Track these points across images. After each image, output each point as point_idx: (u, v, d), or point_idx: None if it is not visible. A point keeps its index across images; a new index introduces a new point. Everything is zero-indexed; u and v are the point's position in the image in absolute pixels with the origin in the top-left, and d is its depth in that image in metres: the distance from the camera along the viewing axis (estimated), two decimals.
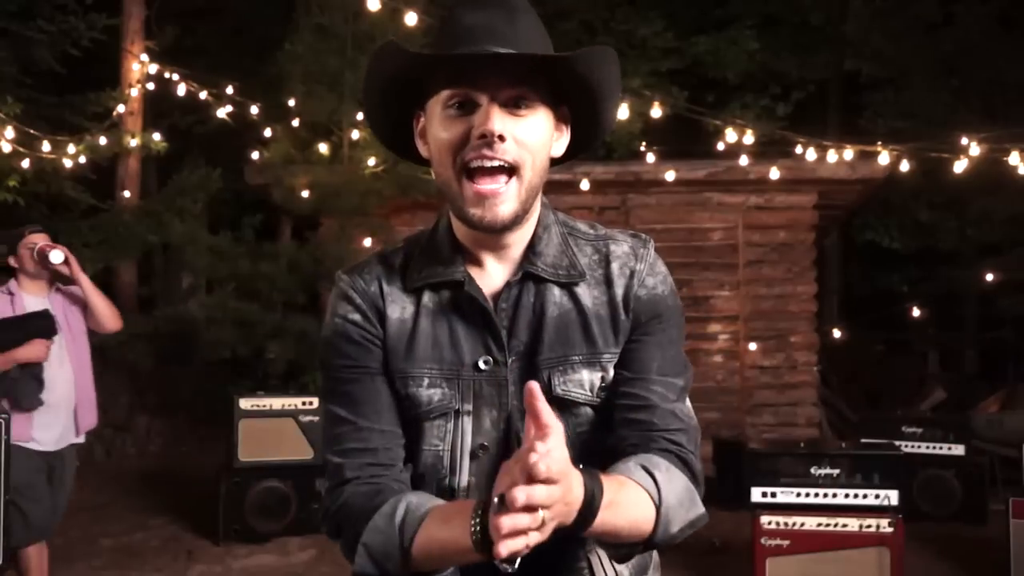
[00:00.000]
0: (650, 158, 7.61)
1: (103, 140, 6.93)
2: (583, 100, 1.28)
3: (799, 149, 7.04)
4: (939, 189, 10.20)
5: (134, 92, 7.78)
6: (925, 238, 12.56)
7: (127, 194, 8.16)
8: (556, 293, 1.29)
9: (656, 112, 6.59)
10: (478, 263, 1.31)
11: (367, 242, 6.69)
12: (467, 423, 1.28)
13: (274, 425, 5.45)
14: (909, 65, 11.91)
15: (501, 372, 1.27)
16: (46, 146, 6.52)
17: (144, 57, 7.77)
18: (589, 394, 1.28)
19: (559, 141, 1.30)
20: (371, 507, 1.22)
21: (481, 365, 1.27)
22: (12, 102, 6.31)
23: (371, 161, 6.52)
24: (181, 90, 7.29)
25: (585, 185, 7.21)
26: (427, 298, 1.30)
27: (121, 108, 7.46)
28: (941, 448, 6.07)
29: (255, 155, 7.12)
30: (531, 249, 1.30)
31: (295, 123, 6.88)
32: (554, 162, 1.33)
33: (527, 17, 1.24)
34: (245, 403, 5.42)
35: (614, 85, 1.28)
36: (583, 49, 1.21)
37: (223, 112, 7.33)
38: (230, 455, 5.41)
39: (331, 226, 6.89)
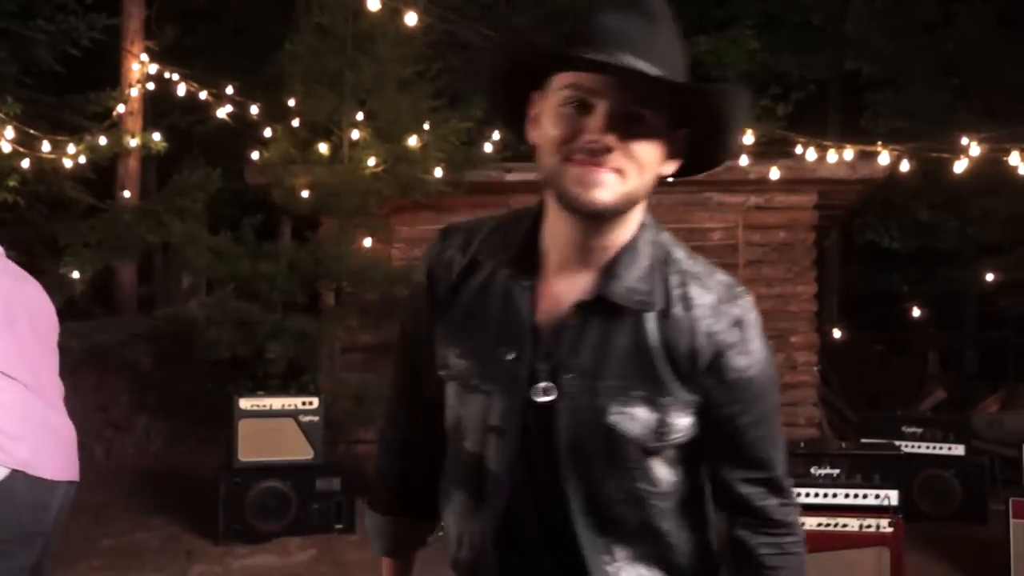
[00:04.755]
0: None
1: (103, 140, 6.94)
2: (706, 128, 1.24)
3: (799, 149, 7.03)
4: (939, 189, 10.18)
5: (134, 92, 7.78)
6: (925, 238, 12.55)
7: (127, 194, 8.15)
8: (627, 322, 1.25)
9: None
10: (553, 265, 1.28)
11: (367, 242, 6.69)
12: (481, 401, 1.30)
13: (274, 425, 5.45)
14: (909, 65, 11.91)
15: (520, 368, 1.26)
16: (46, 146, 6.52)
17: (144, 57, 7.77)
18: (642, 434, 1.24)
19: (670, 163, 1.26)
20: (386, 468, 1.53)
21: (504, 356, 1.28)
22: (12, 102, 6.31)
23: (371, 161, 6.52)
24: (181, 90, 7.29)
25: None
26: (485, 274, 1.32)
27: (121, 108, 7.46)
28: (941, 448, 6.06)
29: (255, 155, 7.12)
30: (609, 270, 1.25)
31: (295, 123, 6.87)
32: (664, 180, 1.31)
33: (666, 28, 1.20)
34: (245, 403, 5.42)
35: (740, 118, 1.25)
36: (721, 84, 1.25)
37: (223, 112, 7.33)
38: (230, 455, 5.41)
39: (331, 226, 6.89)
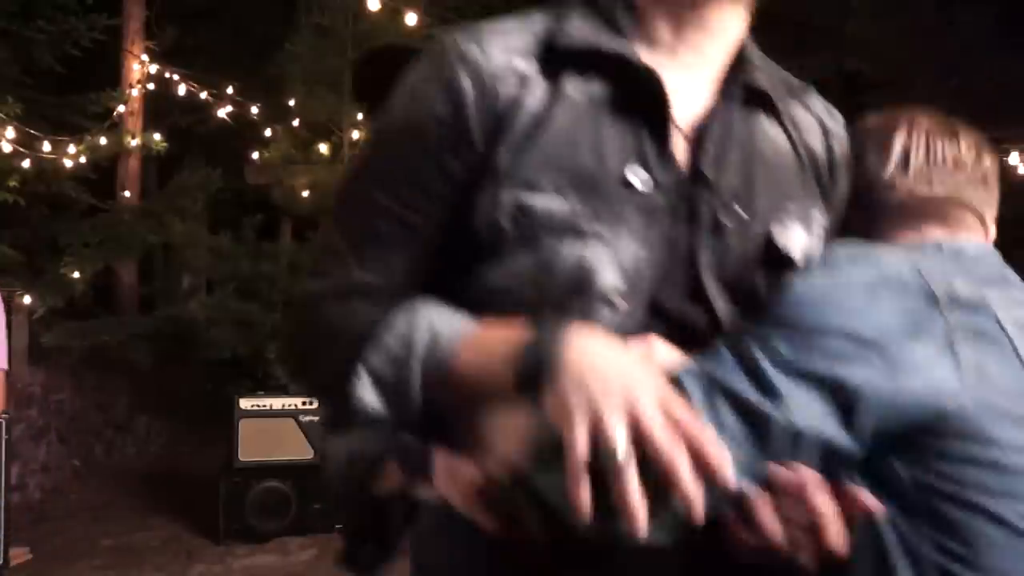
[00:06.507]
0: None
1: (103, 140, 6.94)
2: None
3: None
4: None
5: (134, 92, 7.78)
6: None
7: (127, 194, 8.15)
8: (765, 121, 0.96)
9: None
10: (665, 53, 0.92)
11: None
12: (598, 254, 0.85)
13: (274, 425, 5.45)
14: (909, 65, 11.93)
15: (655, 199, 0.87)
16: (46, 146, 6.53)
17: (144, 57, 7.78)
18: (800, 259, 0.93)
19: None
20: (370, 321, 0.85)
21: (631, 178, 0.86)
22: (12, 102, 6.31)
23: None
24: (181, 90, 7.31)
25: None
26: (570, 83, 0.89)
27: (121, 108, 7.46)
28: None
29: (255, 155, 7.13)
30: (741, 58, 0.94)
31: (295, 123, 6.88)
32: None
33: None
34: (245, 403, 5.42)
35: None
36: None
37: (223, 112, 7.34)
38: (230, 455, 5.41)
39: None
